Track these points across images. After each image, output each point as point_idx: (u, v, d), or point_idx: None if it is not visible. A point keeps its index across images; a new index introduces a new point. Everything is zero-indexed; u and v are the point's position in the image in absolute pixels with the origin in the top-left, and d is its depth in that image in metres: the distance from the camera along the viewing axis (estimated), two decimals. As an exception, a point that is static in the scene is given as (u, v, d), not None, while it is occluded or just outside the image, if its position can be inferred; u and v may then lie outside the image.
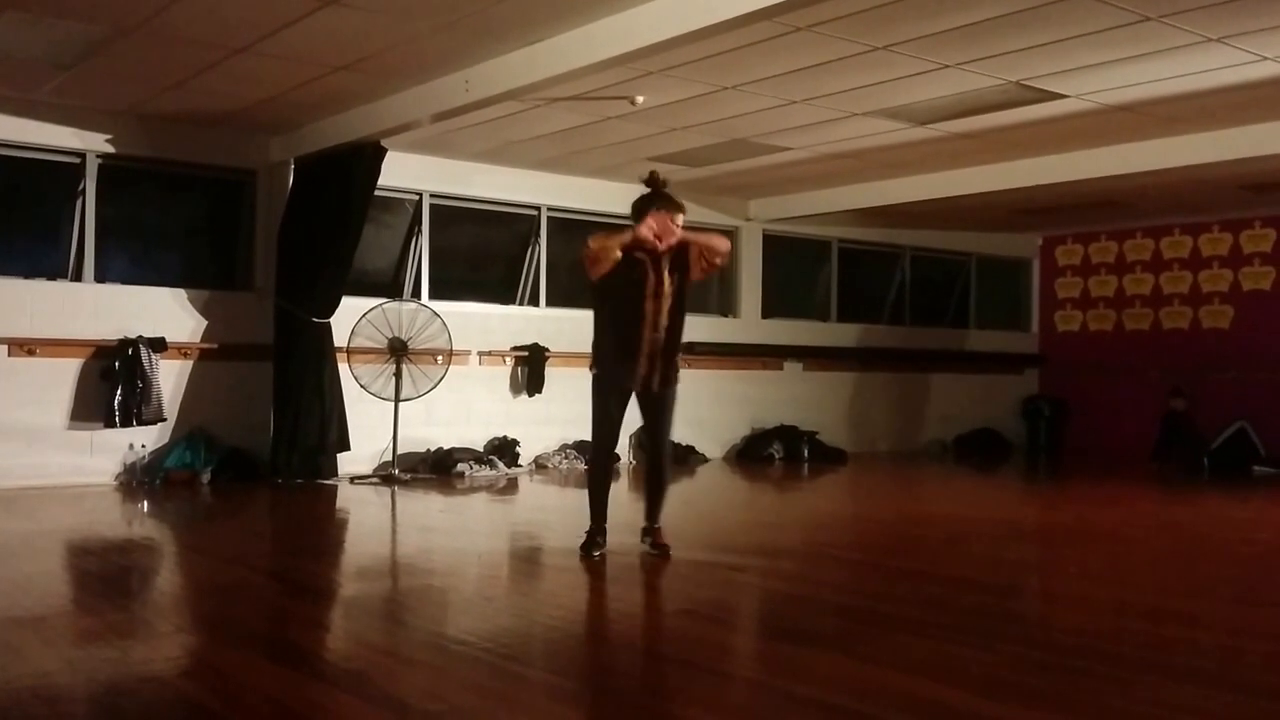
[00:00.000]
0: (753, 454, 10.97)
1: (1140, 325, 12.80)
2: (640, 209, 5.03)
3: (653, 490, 5.27)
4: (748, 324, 11.48)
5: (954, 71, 6.72)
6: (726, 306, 11.49)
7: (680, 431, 10.98)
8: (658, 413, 5.18)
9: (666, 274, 5.02)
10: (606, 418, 5.17)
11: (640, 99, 7.25)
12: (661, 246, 4.97)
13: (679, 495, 8.65)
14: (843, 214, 11.21)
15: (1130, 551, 6.19)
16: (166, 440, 8.31)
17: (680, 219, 5.02)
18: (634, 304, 5.00)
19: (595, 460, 5.38)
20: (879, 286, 12.78)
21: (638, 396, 5.17)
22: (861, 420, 12.12)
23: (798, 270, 12.19)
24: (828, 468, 10.67)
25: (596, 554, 5.18)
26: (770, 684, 3.34)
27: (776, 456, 10.95)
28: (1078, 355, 13.28)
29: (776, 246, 11.80)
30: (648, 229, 4.91)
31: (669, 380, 5.12)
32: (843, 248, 12.30)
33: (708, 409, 10.69)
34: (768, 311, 11.68)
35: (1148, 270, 12.76)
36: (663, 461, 5.26)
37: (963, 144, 8.70)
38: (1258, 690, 3.37)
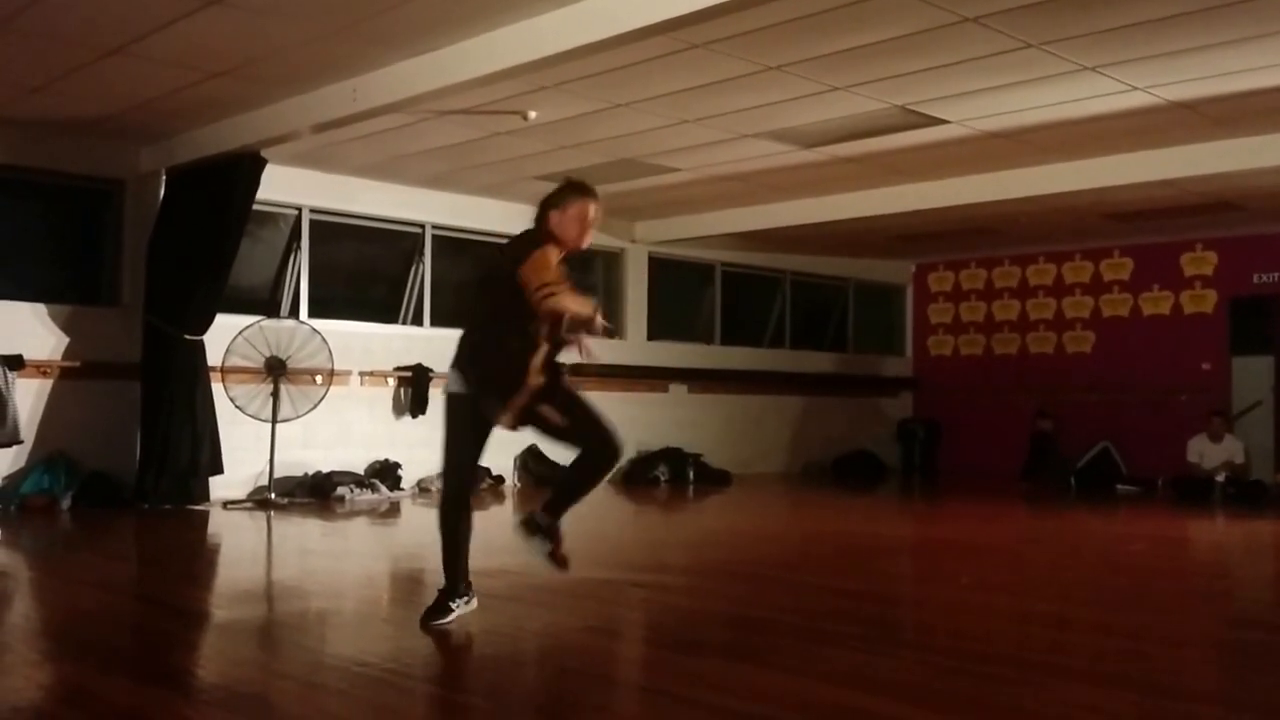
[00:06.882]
0: (638, 476, 10.91)
1: (1008, 350, 13.29)
2: None
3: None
4: (633, 346, 11.45)
5: (842, 94, 6.86)
6: (611, 328, 11.44)
7: (562, 454, 10.92)
8: None
9: None
10: None
11: (533, 114, 7.17)
12: None
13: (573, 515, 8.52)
14: (726, 237, 11.33)
15: (1016, 563, 6.36)
16: (23, 464, 7.77)
17: None
18: None
19: None
20: (761, 310, 12.94)
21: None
22: (744, 442, 12.20)
23: (682, 293, 12.26)
24: (713, 489, 10.70)
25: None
26: (692, 697, 3.25)
27: (662, 479, 10.93)
28: (950, 378, 13.70)
29: (661, 269, 11.84)
30: None
31: None
32: (726, 271, 12.42)
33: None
34: (653, 334, 11.69)
35: (1015, 297, 13.27)
36: None
37: (845, 168, 8.89)
38: (1160, 690, 3.46)
